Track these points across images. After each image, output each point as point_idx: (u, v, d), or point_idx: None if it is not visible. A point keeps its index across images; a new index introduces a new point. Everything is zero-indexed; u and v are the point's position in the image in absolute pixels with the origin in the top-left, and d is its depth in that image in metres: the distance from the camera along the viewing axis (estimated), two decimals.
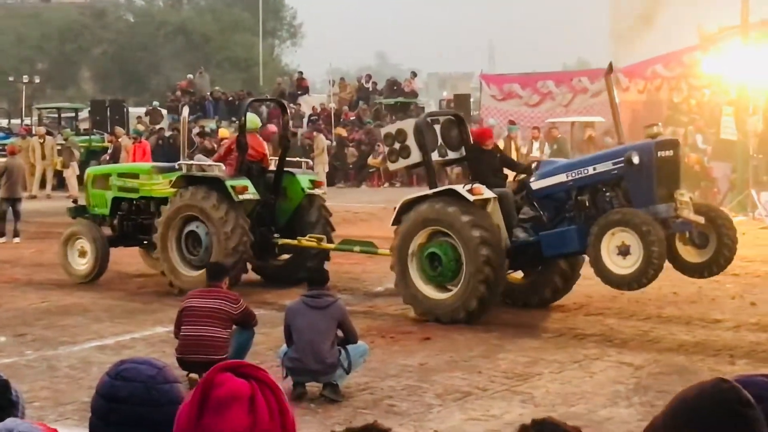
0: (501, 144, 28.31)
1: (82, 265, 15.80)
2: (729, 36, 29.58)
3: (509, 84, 37.97)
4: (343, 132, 37.61)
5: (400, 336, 12.23)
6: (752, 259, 13.14)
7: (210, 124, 38.12)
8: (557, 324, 12.78)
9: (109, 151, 33.67)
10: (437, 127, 13.82)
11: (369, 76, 46.26)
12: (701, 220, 12.06)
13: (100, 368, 9.05)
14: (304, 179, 15.47)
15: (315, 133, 34.72)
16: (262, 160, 15.56)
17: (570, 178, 12.63)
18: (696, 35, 34.98)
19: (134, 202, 15.99)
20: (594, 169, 12.51)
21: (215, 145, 26.82)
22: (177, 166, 15.46)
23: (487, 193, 12.62)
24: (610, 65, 14.71)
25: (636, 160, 11.98)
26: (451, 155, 14.01)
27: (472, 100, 40.19)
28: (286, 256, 15.83)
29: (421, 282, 12.89)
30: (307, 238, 15.02)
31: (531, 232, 12.80)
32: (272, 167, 15.66)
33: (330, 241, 15.38)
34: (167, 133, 36.02)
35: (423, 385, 10.11)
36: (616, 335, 12.29)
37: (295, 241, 15.09)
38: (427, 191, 13.21)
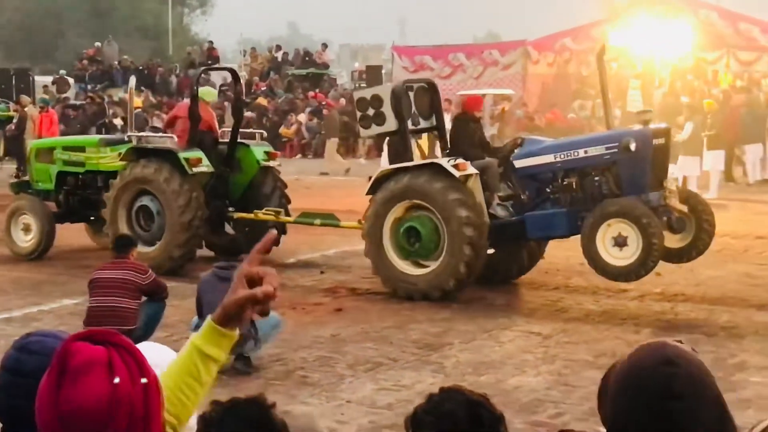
0: None
1: (27, 241, 15.27)
2: (637, 10, 29.95)
3: (421, 56, 38.05)
4: (264, 102, 37.37)
5: (312, 307, 12.24)
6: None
7: (119, 93, 37.62)
8: (467, 294, 12.86)
9: (15, 121, 33.02)
10: (411, 95, 13.37)
11: (279, 47, 46.00)
12: (685, 208, 11.98)
13: (7, 341, 8.91)
14: (258, 151, 15.01)
15: (226, 104, 34.46)
16: (211, 130, 15.09)
17: (558, 159, 12.33)
18: (603, 9, 35.35)
19: (80, 176, 15.43)
20: (585, 152, 12.25)
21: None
22: (126, 138, 14.97)
23: (471, 169, 12.24)
24: (603, 47, 14.66)
25: (633, 146, 11.80)
26: (423, 124, 13.65)
27: (384, 71, 40.19)
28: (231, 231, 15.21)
29: (395, 257, 12.54)
30: (263, 211, 14.59)
31: (511, 211, 12.61)
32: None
33: (287, 214, 14.94)
34: (75, 102, 35.47)
35: (335, 356, 10.15)
36: (524, 305, 12.46)
37: (251, 215, 14.59)
38: (406, 163, 12.73)
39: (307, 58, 43.28)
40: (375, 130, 13.28)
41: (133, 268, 9.80)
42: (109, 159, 15.14)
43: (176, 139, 14.41)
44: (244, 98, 16.01)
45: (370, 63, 46.90)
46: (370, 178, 13.00)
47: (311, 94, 38.21)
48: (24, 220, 15.22)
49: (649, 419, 2.36)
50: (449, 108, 29.61)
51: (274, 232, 2.94)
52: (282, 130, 35.17)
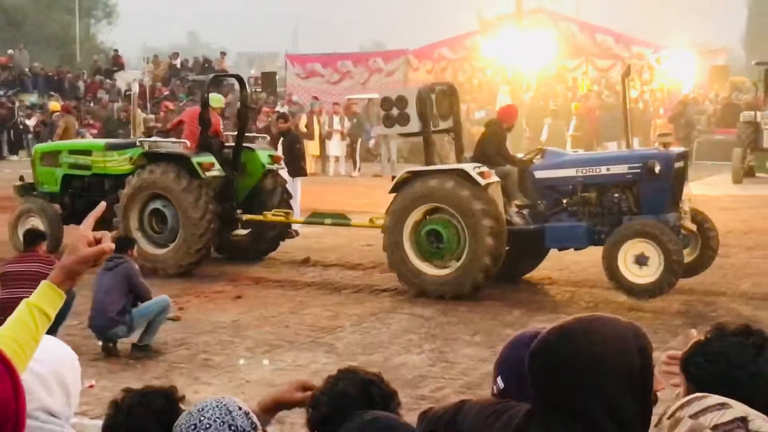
0: (304, 119, 28.36)
1: None
2: (505, 22, 30.29)
3: (312, 63, 38.02)
4: (171, 105, 36.88)
5: (214, 295, 12.13)
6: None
7: (30, 99, 36.84)
8: (357, 281, 12.90)
9: None
10: (433, 97, 12.61)
11: (177, 54, 45.57)
12: (694, 227, 11.75)
13: None
14: (263, 155, 14.26)
15: (131, 107, 33.97)
16: (218, 135, 14.37)
17: (580, 173, 11.81)
18: (476, 22, 35.67)
19: (85, 179, 14.53)
20: (608, 169, 11.76)
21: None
22: (138, 143, 14.10)
23: (494, 177, 11.64)
24: (628, 67, 14.16)
25: (657, 169, 11.35)
26: (442, 125, 12.85)
27: (278, 77, 39.98)
28: (243, 232, 14.52)
29: (413, 255, 11.83)
30: (272, 212, 13.82)
31: (528, 219, 12.07)
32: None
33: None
34: None
35: (235, 339, 10.07)
36: (408, 290, 12.48)
37: (260, 216, 13.76)
38: (432, 166, 12.15)
39: (206, 65, 42.86)
40: (397, 129, 12.64)
41: (41, 261, 9.56)
42: (115, 162, 14.32)
43: (188, 143, 13.65)
44: (249, 104, 14.86)
45: (265, 70, 46.47)
46: (393, 177, 12.36)
47: None
48: (32, 221, 14.29)
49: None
50: (339, 111, 29.67)
51: (103, 204, 2.89)
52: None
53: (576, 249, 12.17)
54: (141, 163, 13.47)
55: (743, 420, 1.78)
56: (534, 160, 12.30)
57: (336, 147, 28.63)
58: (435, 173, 11.83)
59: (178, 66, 43.32)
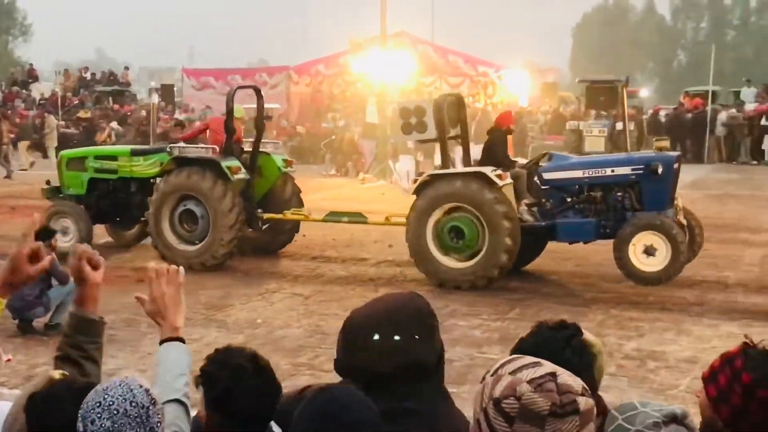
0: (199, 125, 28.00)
1: (65, 242, 13.05)
2: (372, 43, 30.38)
3: (206, 77, 37.62)
4: (86, 114, 35.90)
5: (118, 279, 11.80)
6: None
7: None
8: (246, 265, 12.77)
9: None
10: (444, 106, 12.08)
11: (86, 68, 44.48)
12: (684, 222, 11.53)
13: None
14: (278, 159, 13.66)
15: (46, 114, 32.94)
16: (239, 141, 13.61)
17: (586, 175, 11.48)
18: (347, 43, 35.77)
19: (111, 182, 13.80)
20: (612, 171, 11.45)
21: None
22: (168, 149, 13.25)
23: (508, 179, 11.28)
24: (627, 79, 13.77)
25: (660, 170, 11.11)
26: (452, 133, 12.28)
27: (175, 89, 39.38)
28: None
29: (435, 250, 11.36)
30: (291, 211, 13.29)
31: (537, 216, 11.62)
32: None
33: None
34: None
35: (138, 317, 9.79)
36: (290, 272, 12.45)
37: (280, 215, 13.20)
38: (453, 169, 11.83)
39: (111, 78, 42.03)
40: (416, 136, 12.12)
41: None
42: (141, 167, 13.67)
43: (217, 149, 12.95)
44: (264, 113, 14.15)
45: (164, 82, 45.62)
46: (415, 180, 11.87)
47: (116, 106, 37.15)
48: (63, 222, 13.44)
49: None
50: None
51: (37, 217, 2.84)
52: (97, 136, 33.83)
53: (585, 242, 11.81)
54: (170, 167, 12.83)
55: (553, 375, 1.86)
56: (541, 163, 11.98)
57: None
58: (456, 176, 11.45)
59: (87, 78, 42.41)
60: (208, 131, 14.35)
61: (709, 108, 30.85)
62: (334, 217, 13.17)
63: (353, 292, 11.17)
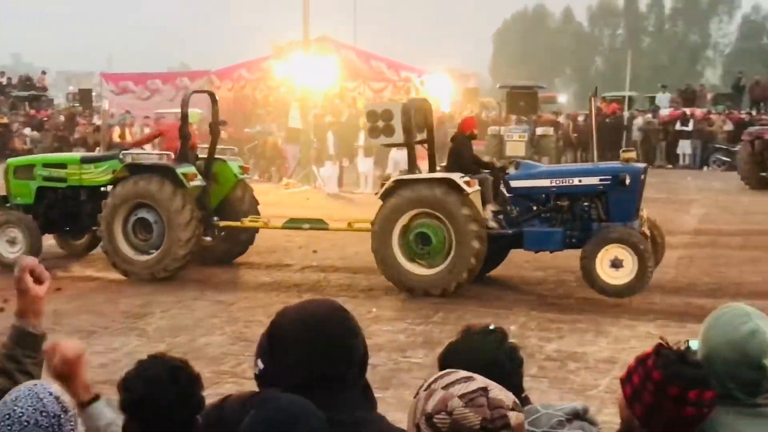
0: (118, 130, 27.54)
1: (13, 252, 12.68)
2: (295, 48, 30.29)
3: (125, 82, 37.01)
4: (4, 119, 35.05)
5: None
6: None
7: None
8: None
9: None
10: (412, 111, 11.88)
11: (2, 73, 43.38)
12: (648, 233, 11.40)
13: None
14: (234, 165, 13.31)
15: None
16: (193, 147, 13.15)
17: (554, 184, 11.35)
18: (270, 47, 35.60)
19: (59, 191, 13.29)
20: (580, 181, 11.32)
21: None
22: (121, 156, 12.85)
23: (476, 186, 11.15)
24: (596, 89, 13.62)
25: (627, 181, 11.00)
26: (419, 137, 12.08)
27: (94, 94, 38.74)
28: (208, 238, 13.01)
29: (403, 258, 11.18)
30: (249, 219, 12.96)
31: (503, 224, 11.43)
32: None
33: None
34: None
35: (56, 327, 9.57)
36: (213, 279, 12.30)
37: (238, 223, 12.88)
38: (420, 174, 11.51)
39: (28, 83, 41.10)
40: (383, 140, 11.82)
41: None
42: (92, 174, 13.16)
43: (172, 155, 12.59)
44: (219, 118, 13.66)
45: (82, 87, 44.88)
46: (382, 184, 11.59)
47: (32, 111, 36.36)
48: (10, 232, 12.92)
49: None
50: (149, 124, 29.01)
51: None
52: (14, 142, 33.08)
53: (551, 252, 11.67)
54: (123, 175, 12.38)
55: (485, 389, 1.88)
56: (508, 170, 11.88)
57: None
58: (423, 181, 11.25)
59: (3, 83, 41.42)
60: (159, 137, 14.06)
61: (625, 113, 31.54)
62: (293, 224, 12.92)
63: (277, 298, 11.09)
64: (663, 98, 35.48)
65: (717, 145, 30.01)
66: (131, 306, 10.68)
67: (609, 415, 6.00)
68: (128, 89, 36.41)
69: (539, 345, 8.97)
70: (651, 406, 2.50)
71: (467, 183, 10.96)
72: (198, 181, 12.45)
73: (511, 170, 11.85)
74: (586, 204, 11.31)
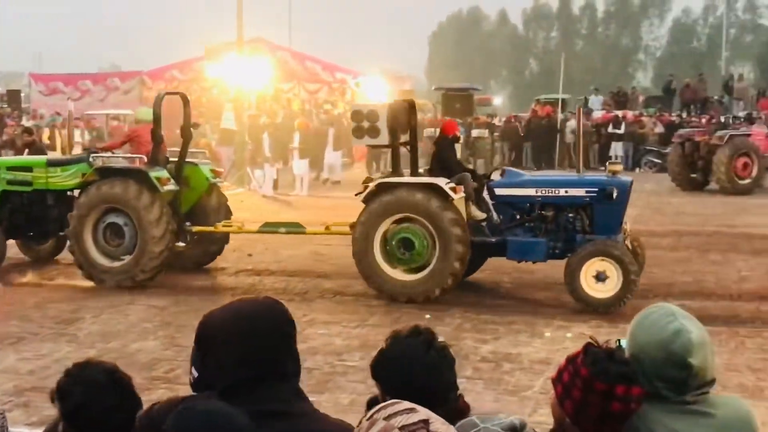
0: (47, 132, 27.04)
1: None
2: (228, 49, 30.09)
3: (55, 82, 36.46)
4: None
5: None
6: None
7: None
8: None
9: None
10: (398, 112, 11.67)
11: None
12: (630, 245, 11.29)
13: None
14: (206, 169, 12.94)
15: None
16: (164, 150, 12.73)
17: (539, 193, 11.20)
18: (203, 48, 35.35)
19: (25, 195, 12.84)
20: (566, 192, 11.16)
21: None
22: (91, 159, 12.40)
23: (461, 193, 10.97)
24: (586, 99, 13.40)
25: (615, 194, 10.88)
26: (402, 138, 11.85)
27: (23, 94, 38.01)
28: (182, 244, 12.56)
29: (384, 263, 10.97)
30: (223, 223, 12.66)
31: (486, 231, 11.26)
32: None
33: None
34: None
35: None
36: (145, 283, 12.13)
37: (211, 228, 12.51)
38: (404, 177, 11.29)
39: None
40: (367, 141, 11.52)
41: None
42: (59, 178, 12.68)
43: (145, 159, 12.14)
44: (191, 120, 13.25)
45: (11, 87, 44.01)
46: (365, 187, 11.24)
47: None
48: None
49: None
50: (80, 125, 28.58)
51: None
52: None
53: (534, 262, 11.49)
54: (93, 178, 11.99)
55: (425, 422, 1.90)
56: (492, 177, 11.74)
57: None
58: (406, 186, 11.04)
59: None
60: (129, 141, 13.52)
61: (559, 115, 31.95)
62: (269, 228, 12.58)
63: (211, 302, 10.92)
64: (596, 101, 36.04)
65: (648, 147, 30.58)
66: (61, 311, 10.50)
67: (544, 416, 6.08)
68: (58, 90, 35.85)
69: (474, 346, 9.03)
70: (580, 403, 2.54)
71: (453, 189, 10.83)
72: (171, 186, 12.13)
73: (495, 177, 11.75)
74: (570, 215, 11.21)
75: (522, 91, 72.80)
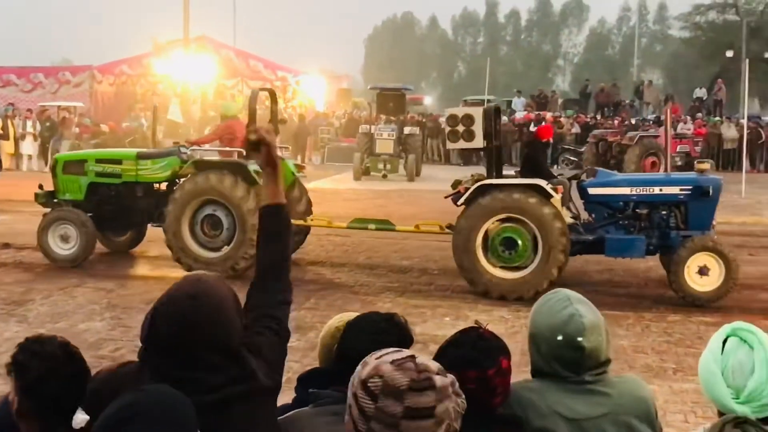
0: (0, 122, 26.39)
1: (67, 249, 11.82)
2: (175, 46, 29.73)
3: (7, 74, 35.55)
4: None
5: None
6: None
7: None
8: (47, 261, 12.12)
9: None
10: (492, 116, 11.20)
11: None
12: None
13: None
14: (290, 164, 12.49)
15: None
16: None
17: (634, 192, 10.88)
18: (151, 45, 34.86)
19: (112, 187, 12.31)
20: (660, 190, 10.84)
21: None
22: (189, 152, 11.97)
23: (561, 193, 10.76)
24: (672, 97, 12.99)
25: (711, 192, 10.62)
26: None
27: None
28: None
29: (485, 261, 10.59)
30: (312, 217, 12.33)
31: (581, 230, 11.00)
32: None
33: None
34: None
35: None
36: (92, 267, 11.90)
37: (301, 221, 12.05)
38: (511, 179, 10.92)
39: None
40: (462, 144, 10.91)
41: None
42: (149, 171, 12.14)
43: (243, 153, 11.42)
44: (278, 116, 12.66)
45: None
46: (466, 188, 10.76)
47: None
48: (63, 229, 11.85)
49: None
50: (31, 116, 28.00)
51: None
52: None
53: (631, 258, 11.26)
54: (190, 171, 11.58)
55: (413, 357, 1.98)
56: (583, 178, 11.49)
57: (29, 147, 27.39)
58: (509, 187, 10.62)
59: None
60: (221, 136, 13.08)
61: None
62: (359, 224, 12.14)
63: (156, 285, 10.85)
64: (518, 102, 36.44)
65: (566, 146, 31.01)
66: (11, 293, 10.27)
67: None
68: (11, 82, 35.06)
69: None
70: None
71: (555, 189, 10.62)
72: None
73: (588, 178, 11.53)
74: (664, 212, 10.95)
75: (450, 92, 73.24)
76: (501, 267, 10.64)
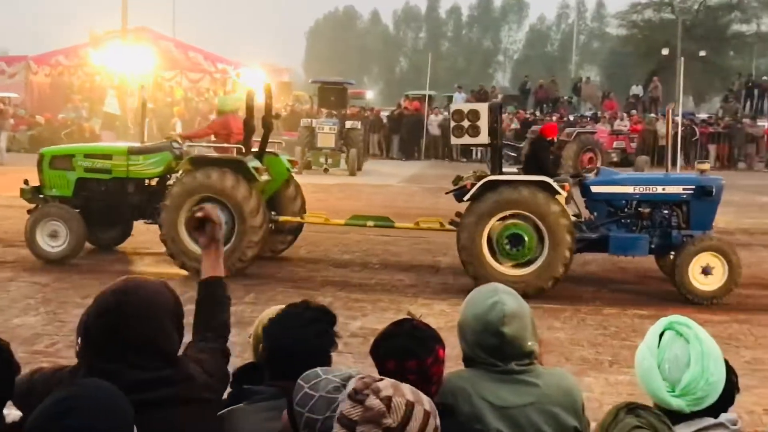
0: None
1: (56, 247, 11.39)
2: (113, 37, 29.28)
3: None
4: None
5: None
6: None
7: None
8: None
9: None
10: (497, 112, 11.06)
11: None
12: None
13: None
14: (284, 159, 12.25)
15: None
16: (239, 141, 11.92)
17: (637, 191, 10.87)
18: (88, 35, 34.30)
19: (102, 183, 11.87)
20: (663, 189, 10.84)
21: None
22: (185, 149, 11.61)
23: (568, 190, 10.64)
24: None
25: (713, 192, 10.64)
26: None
27: None
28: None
29: (490, 257, 10.45)
30: (309, 214, 12.12)
31: (584, 227, 10.91)
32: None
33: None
34: None
35: None
36: (27, 261, 11.63)
37: (298, 218, 11.96)
38: (518, 175, 10.79)
39: None
40: (466, 140, 10.74)
41: None
42: (140, 167, 11.74)
43: (243, 149, 11.39)
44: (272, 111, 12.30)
45: None
46: (471, 184, 10.60)
47: None
48: (52, 226, 11.39)
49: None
50: None
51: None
52: None
53: (633, 257, 11.29)
54: (186, 168, 11.12)
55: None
56: (586, 176, 11.43)
57: None
58: (515, 183, 10.50)
59: None
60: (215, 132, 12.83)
61: (425, 110, 32.36)
62: (357, 220, 11.93)
63: (94, 280, 10.66)
64: (459, 98, 36.66)
65: (505, 142, 31.27)
66: None
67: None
68: None
69: (345, 323, 9.07)
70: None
71: (563, 187, 10.53)
72: (266, 176, 11.44)
73: (591, 176, 11.54)
74: (666, 212, 10.98)
75: (392, 87, 73.39)
76: (505, 263, 10.53)
